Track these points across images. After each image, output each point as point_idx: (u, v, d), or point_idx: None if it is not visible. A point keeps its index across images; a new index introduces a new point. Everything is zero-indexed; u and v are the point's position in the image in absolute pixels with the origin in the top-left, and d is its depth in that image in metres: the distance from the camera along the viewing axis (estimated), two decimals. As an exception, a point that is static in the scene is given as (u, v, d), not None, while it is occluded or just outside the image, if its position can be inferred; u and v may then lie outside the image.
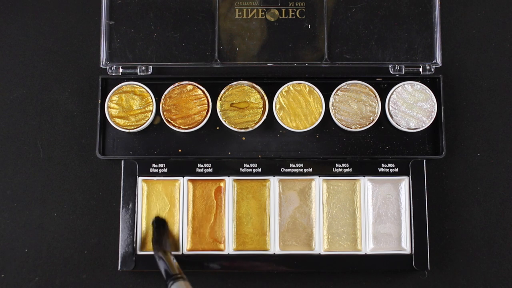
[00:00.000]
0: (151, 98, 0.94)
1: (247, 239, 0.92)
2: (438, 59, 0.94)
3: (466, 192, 0.95)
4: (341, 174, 0.93)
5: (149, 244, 0.91)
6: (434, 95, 0.94)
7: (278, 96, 0.93)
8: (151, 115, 0.93)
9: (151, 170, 0.92)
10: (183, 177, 0.93)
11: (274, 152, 0.94)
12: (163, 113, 0.93)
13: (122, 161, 0.93)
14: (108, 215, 0.94)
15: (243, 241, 0.92)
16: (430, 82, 0.95)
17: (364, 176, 0.93)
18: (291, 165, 0.93)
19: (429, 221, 0.92)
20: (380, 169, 0.93)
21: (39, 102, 0.96)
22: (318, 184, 0.93)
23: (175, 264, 0.85)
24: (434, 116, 0.93)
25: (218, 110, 0.93)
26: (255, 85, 0.94)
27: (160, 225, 0.91)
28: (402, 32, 0.95)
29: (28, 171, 0.95)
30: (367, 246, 0.92)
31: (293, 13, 0.95)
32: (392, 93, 0.94)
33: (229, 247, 0.91)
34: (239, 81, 0.94)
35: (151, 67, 0.95)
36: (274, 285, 0.93)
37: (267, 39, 0.95)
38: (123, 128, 0.93)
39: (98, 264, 0.93)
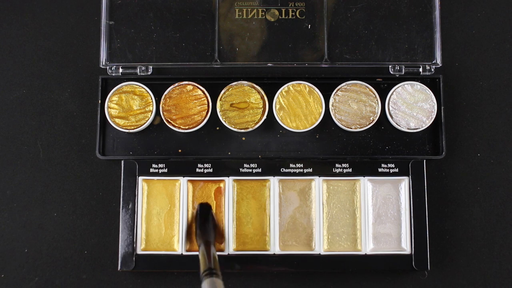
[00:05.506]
0: (151, 98, 0.94)
1: (247, 239, 0.92)
2: (438, 59, 0.94)
3: (466, 192, 0.95)
4: (341, 174, 0.93)
5: (151, 244, 0.91)
6: (434, 95, 0.94)
7: (278, 96, 0.93)
8: (151, 115, 0.93)
9: (151, 170, 0.92)
10: (183, 177, 0.93)
11: (274, 152, 0.94)
12: (163, 113, 0.93)
13: (122, 161, 0.92)
14: (108, 215, 0.94)
15: (243, 241, 0.92)
16: (430, 82, 0.95)
17: (364, 176, 0.93)
18: (291, 165, 0.93)
19: (429, 221, 0.92)
20: (380, 169, 0.93)
21: (39, 102, 0.96)
22: (318, 184, 0.93)
23: (214, 257, 0.80)
24: (434, 116, 0.93)
25: (218, 110, 0.93)
26: (255, 85, 0.94)
27: (205, 212, 0.89)
28: (402, 32, 0.95)
29: (28, 171, 0.95)
30: (367, 246, 0.92)
31: (293, 13, 0.95)
32: (392, 93, 0.94)
33: (229, 247, 0.91)
34: (239, 81, 0.94)
35: (151, 67, 0.95)
36: (274, 285, 0.93)
37: (267, 39, 0.95)
38: (123, 128, 0.93)
39: (98, 264, 0.93)
